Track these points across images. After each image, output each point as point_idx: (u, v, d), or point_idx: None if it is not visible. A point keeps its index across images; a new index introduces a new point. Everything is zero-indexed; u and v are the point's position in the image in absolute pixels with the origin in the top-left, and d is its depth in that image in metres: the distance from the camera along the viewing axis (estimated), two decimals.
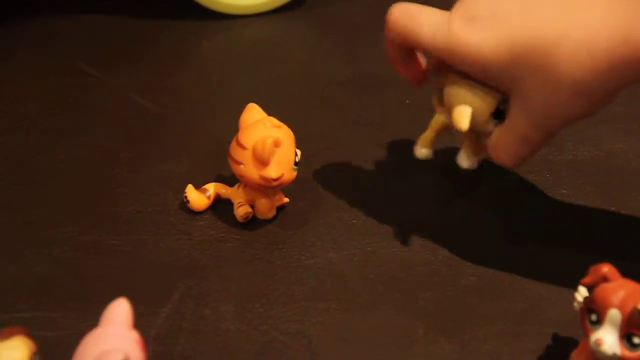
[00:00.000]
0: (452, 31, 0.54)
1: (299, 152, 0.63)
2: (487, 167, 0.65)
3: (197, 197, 0.65)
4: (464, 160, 0.62)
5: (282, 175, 0.61)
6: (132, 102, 0.79)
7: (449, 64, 0.56)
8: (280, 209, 0.66)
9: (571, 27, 0.51)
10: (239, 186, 0.65)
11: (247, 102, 0.64)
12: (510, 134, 0.56)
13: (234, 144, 0.62)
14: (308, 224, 0.65)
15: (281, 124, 0.63)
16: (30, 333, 0.52)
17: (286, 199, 0.66)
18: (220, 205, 0.66)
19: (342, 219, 0.66)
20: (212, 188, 0.66)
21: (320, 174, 0.70)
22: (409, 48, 0.59)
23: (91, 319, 0.49)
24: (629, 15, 0.50)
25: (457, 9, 0.55)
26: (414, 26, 0.57)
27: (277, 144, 0.60)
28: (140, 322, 0.50)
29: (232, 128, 0.64)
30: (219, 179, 0.66)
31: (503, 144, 0.57)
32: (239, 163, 0.62)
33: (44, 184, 0.69)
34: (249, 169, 0.61)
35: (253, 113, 0.64)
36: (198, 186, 0.66)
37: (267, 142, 0.60)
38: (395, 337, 0.57)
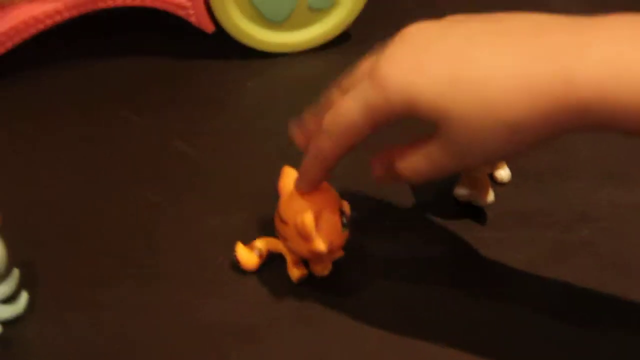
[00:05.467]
0: (378, 81, 0.51)
1: (347, 208, 0.59)
2: None
3: (248, 256, 0.62)
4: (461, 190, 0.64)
5: (331, 244, 0.58)
6: (176, 150, 0.76)
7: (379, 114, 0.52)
8: (339, 268, 0.63)
9: (510, 62, 0.48)
10: None
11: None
12: (424, 156, 0.53)
13: (276, 215, 0.59)
14: (366, 283, 0.63)
15: (320, 185, 0.59)
16: None
17: (341, 252, 0.62)
18: (275, 261, 0.63)
19: (402, 283, 0.63)
20: (262, 244, 0.63)
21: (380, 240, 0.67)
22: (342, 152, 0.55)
23: None
24: (574, 54, 0.46)
25: (381, 62, 0.51)
26: (340, 116, 0.53)
27: (316, 216, 0.57)
28: None
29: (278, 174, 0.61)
30: (272, 231, 0.63)
31: (412, 161, 0.53)
32: (284, 238, 0.59)
33: (88, 241, 0.67)
34: (295, 244, 0.59)
35: (290, 177, 0.60)
36: (249, 241, 0.63)
37: (305, 220, 0.56)
38: None
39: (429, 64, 0.50)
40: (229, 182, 0.73)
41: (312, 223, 0.56)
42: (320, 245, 0.57)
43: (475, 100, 0.48)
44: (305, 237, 0.57)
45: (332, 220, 0.58)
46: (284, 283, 0.62)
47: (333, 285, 0.62)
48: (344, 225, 0.58)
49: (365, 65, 0.55)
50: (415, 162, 0.53)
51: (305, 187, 0.58)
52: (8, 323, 0.59)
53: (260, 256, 0.62)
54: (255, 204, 0.69)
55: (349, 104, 0.53)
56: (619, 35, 0.46)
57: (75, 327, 0.59)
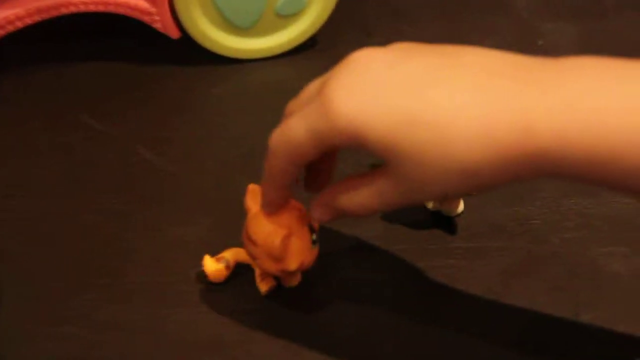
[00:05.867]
0: (327, 108, 0.48)
1: (316, 224, 0.58)
2: None
3: (215, 268, 0.61)
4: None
5: (302, 263, 0.57)
6: (141, 157, 0.75)
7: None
8: (310, 285, 0.62)
9: (469, 106, 0.46)
10: None
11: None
12: (373, 192, 0.51)
13: (245, 235, 0.58)
14: (335, 302, 0.61)
15: (288, 202, 0.57)
16: None
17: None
18: (243, 271, 0.62)
19: (374, 293, 0.62)
20: (230, 255, 0.62)
21: (345, 256, 0.66)
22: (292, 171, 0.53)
23: None
24: (533, 101, 0.45)
25: (331, 87, 0.49)
26: (286, 136, 0.51)
27: (287, 237, 0.56)
28: None
29: (249, 182, 0.60)
30: (239, 239, 0.61)
31: (362, 197, 0.52)
32: (254, 258, 0.58)
33: (53, 252, 0.65)
34: (266, 265, 0.57)
35: (255, 195, 0.59)
36: (219, 250, 0.62)
37: (275, 243, 0.55)
38: None
39: (382, 97, 0.47)
40: (195, 190, 0.72)
41: (283, 246, 0.55)
42: (292, 265, 0.56)
43: (432, 143, 0.46)
44: (277, 259, 0.56)
45: (302, 240, 0.57)
46: (253, 294, 0.61)
47: (302, 297, 0.61)
48: (313, 242, 0.57)
49: (314, 85, 0.54)
50: (365, 199, 0.52)
51: (268, 209, 0.56)
52: None
53: (228, 267, 0.61)
54: (223, 212, 0.68)
55: (295, 124, 0.51)
56: (578, 80, 0.45)
57: (39, 341, 0.58)
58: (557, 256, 0.64)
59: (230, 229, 0.64)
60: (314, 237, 0.57)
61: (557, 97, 0.44)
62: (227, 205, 0.68)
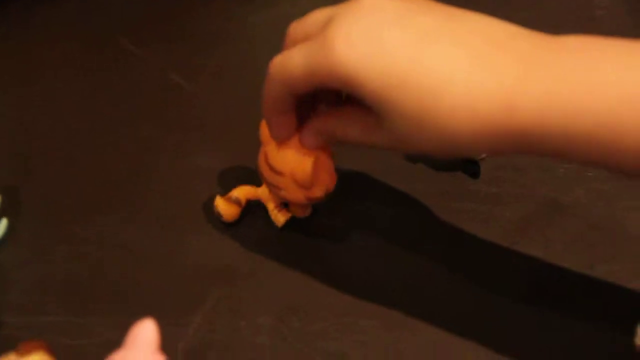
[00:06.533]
0: (328, 52, 0.48)
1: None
2: None
3: (228, 208, 0.61)
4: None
5: (328, 189, 0.57)
6: (173, 83, 0.75)
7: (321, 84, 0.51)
8: (327, 223, 0.62)
9: (455, 78, 0.46)
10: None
11: None
12: (363, 129, 0.52)
13: (265, 167, 0.57)
14: (352, 240, 0.61)
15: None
16: (54, 340, 0.50)
17: (321, 193, 0.60)
18: (257, 207, 0.62)
19: (387, 236, 0.62)
20: (240, 194, 0.62)
21: (366, 188, 0.65)
22: (288, 99, 0.54)
23: (118, 327, 0.46)
24: (519, 79, 0.45)
25: (335, 31, 0.49)
26: (284, 66, 0.52)
27: (315, 162, 0.56)
28: (168, 334, 0.47)
29: None
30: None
31: (351, 130, 0.53)
32: (279, 189, 0.57)
33: (76, 172, 0.66)
34: (292, 194, 0.57)
35: None
36: (239, 182, 0.63)
37: (306, 169, 0.55)
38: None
39: (381, 52, 0.47)
40: (223, 119, 0.72)
41: (313, 172, 0.55)
42: (319, 191, 0.57)
43: (419, 107, 0.46)
44: (306, 186, 0.56)
45: (327, 166, 0.57)
46: (265, 227, 0.61)
47: (315, 229, 0.62)
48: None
49: (321, 15, 0.53)
50: (358, 135, 0.53)
51: (275, 137, 0.57)
52: None
53: (240, 205, 0.61)
54: (247, 142, 0.68)
55: (295, 55, 0.51)
56: (566, 63, 0.45)
57: (54, 257, 0.59)
58: (578, 207, 0.63)
59: (252, 161, 0.64)
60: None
61: (541, 77, 0.44)
62: (251, 138, 0.67)
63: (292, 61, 0.51)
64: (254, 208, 0.62)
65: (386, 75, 0.47)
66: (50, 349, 0.46)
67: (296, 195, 0.57)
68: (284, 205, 0.61)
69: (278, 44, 0.58)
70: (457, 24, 0.48)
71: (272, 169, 0.57)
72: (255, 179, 0.61)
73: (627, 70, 0.43)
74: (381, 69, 0.47)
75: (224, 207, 0.61)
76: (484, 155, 0.65)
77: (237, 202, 0.61)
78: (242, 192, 0.61)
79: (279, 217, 0.60)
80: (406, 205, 0.64)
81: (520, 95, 0.44)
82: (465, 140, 0.46)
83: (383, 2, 0.50)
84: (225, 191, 0.62)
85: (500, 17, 0.49)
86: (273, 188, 0.58)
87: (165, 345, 0.45)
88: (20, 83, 0.75)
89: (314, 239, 0.61)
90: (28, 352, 0.45)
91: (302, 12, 0.80)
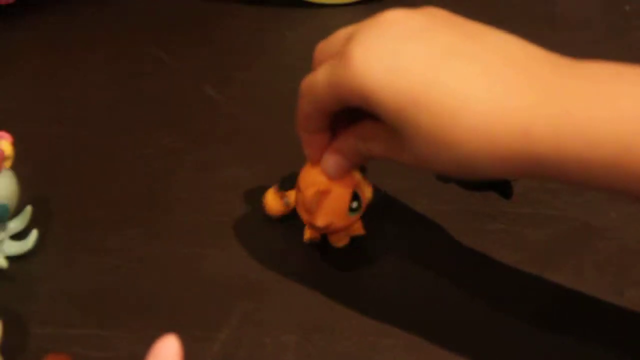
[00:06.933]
0: (347, 68, 0.48)
1: (367, 191, 0.58)
2: None
3: (274, 201, 0.61)
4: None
5: (330, 224, 0.56)
6: (204, 95, 0.75)
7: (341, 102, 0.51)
8: (356, 240, 0.61)
9: (473, 99, 0.45)
10: None
11: None
12: (386, 147, 0.52)
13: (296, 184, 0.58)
14: (381, 259, 0.61)
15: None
16: (79, 353, 0.50)
17: (362, 231, 0.61)
18: (297, 219, 0.61)
19: (416, 257, 0.61)
20: (292, 195, 0.61)
21: (396, 208, 0.65)
22: (318, 117, 0.54)
23: (143, 341, 0.45)
24: (535, 103, 0.44)
25: (355, 47, 0.49)
26: (310, 85, 0.53)
27: (322, 194, 0.55)
28: (193, 349, 0.48)
29: None
30: (291, 187, 0.61)
31: (373, 147, 0.53)
32: (297, 204, 0.58)
33: (105, 183, 0.66)
34: (301, 212, 0.58)
35: None
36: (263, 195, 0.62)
37: (308, 192, 0.55)
38: None
39: (399, 66, 0.47)
40: (253, 133, 0.72)
41: (314, 199, 0.55)
42: (319, 221, 0.56)
43: (435, 127, 0.46)
44: (307, 211, 0.56)
45: (338, 202, 0.56)
46: (298, 247, 0.61)
47: (346, 256, 0.61)
48: (352, 209, 0.57)
49: (344, 32, 0.53)
50: (382, 152, 0.53)
51: (308, 155, 0.57)
52: (15, 259, 0.58)
53: (287, 206, 0.61)
54: (277, 157, 0.68)
55: (320, 73, 0.51)
56: (586, 89, 0.44)
57: (81, 268, 0.59)
58: (610, 230, 0.62)
59: (281, 175, 0.64)
60: (355, 205, 0.57)
61: (560, 102, 0.44)
62: (282, 152, 0.67)
63: (317, 79, 0.51)
64: (292, 221, 0.62)
65: (402, 92, 0.47)
66: None
67: (302, 214, 0.58)
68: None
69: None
70: (477, 42, 0.48)
71: (297, 183, 0.58)
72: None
73: None
74: (398, 86, 0.47)
75: (271, 199, 0.61)
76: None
77: (285, 199, 0.61)
78: (294, 195, 0.61)
79: (307, 232, 0.60)
80: (436, 225, 0.63)
81: (538, 119, 0.44)
82: (482, 163, 0.46)
83: (404, 18, 0.49)
84: (252, 205, 0.62)
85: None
86: (296, 203, 0.59)
87: None
88: (50, 88, 0.75)
89: (340, 257, 0.61)
90: None
91: (335, 28, 0.81)
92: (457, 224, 0.63)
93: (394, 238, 0.62)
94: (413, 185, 0.66)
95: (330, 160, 0.56)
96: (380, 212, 0.62)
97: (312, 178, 0.56)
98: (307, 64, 0.73)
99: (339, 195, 0.56)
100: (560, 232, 0.62)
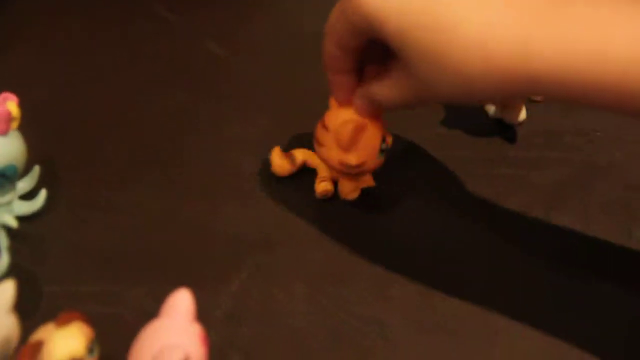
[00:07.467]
0: None
1: (389, 138, 0.58)
2: None
3: (280, 162, 0.62)
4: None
5: (364, 163, 0.57)
6: (209, 52, 0.75)
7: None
8: (365, 191, 0.62)
9: (469, 17, 0.46)
10: None
11: None
12: (391, 83, 0.53)
13: (319, 124, 0.58)
14: (390, 208, 0.61)
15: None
16: (92, 309, 0.50)
17: (372, 183, 0.61)
18: (305, 174, 0.62)
19: (424, 204, 0.62)
20: (299, 155, 0.62)
21: (405, 158, 0.65)
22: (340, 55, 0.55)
23: (155, 297, 0.46)
24: (533, 20, 0.45)
25: None
26: (330, 18, 0.54)
27: (360, 129, 0.56)
28: (205, 302, 0.48)
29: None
30: (299, 142, 0.62)
31: (383, 88, 0.54)
32: (321, 145, 0.58)
33: (113, 141, 0.66)
34: (330, 152, 0.58)
35: None
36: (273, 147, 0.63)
37: (348, 127, 0.56)
38: (477, 327, 0.53)
39: None
40: (259, 88, 0.72)
41: (354, 133, 0.56)
42: (354, 159, 0.57)
43: (435, 47, 0.47)
44: (342, 147, 0.56)
45: (372, 140, 0.57)
46: (307, 201, 0.61)
47: (356, 207, 0.61)
48: (381, 150, 0.57)
49: None
50: (388, 90, 0.53)
51: (336, 96, 0.58)
52: (25, 219, 0.59)
53: (293, 164, 0.62)
54: (284, 112, 0.68)
55: (335, 9, 0.53)
56: (586, 10, 0.44)
57: (90, 227, 0.59)
58: (615, 169, 0.63)
59: (288, 129, 0.64)
60: (383, 146, 0.57)
61: (559, 22, 0.44)
62: (291, 106, 0.68)
63: (333, 15, 0.53)
64: (301, 176, 0.62)
65: (405, 13, 0.48)
66: (88, 320, 0.46)
67: (332, 155, 0.58)
68: (334, 183, 0.61)
69: (316, 10, 0.58)
70: None
71: (323, 124, 0.58)
72: (293, 147, 0.61)
73: None
74: (401, 7, 0.48)
75: (277, 160, 0.62)
76: (520, 120, 0.65)
77: (291, 158, 0.62)
78: (300, 153, 0.62)
79: (319, 187, 0.61)
80: (444, 172, 0.64)
81: (536, 36, 0.45)
82: (477, 83, 0.47)
83: None
84: (261, 159, 0.62)
85: None
86: (317, 144, 0.59)
87: (202, 312, 0.45)
88: (57, 50, 0.75)
89: (350, 209, 0.61)
90: (66, 322, 0.45)
91: None
92: (464, 170, 0.63)
93: (403, 188, 0.63)
94: (419, 136, 0.66)
95: (358, 103, 0.57)
96: (389, 163, 0.62)
97: (344, 116, 0.57)
98: (308, 14, 0.73)
99: (373, 134, 0.57)
100: (566, 174, 0.63)
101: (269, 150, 0.63)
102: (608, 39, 0.43)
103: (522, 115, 0.65)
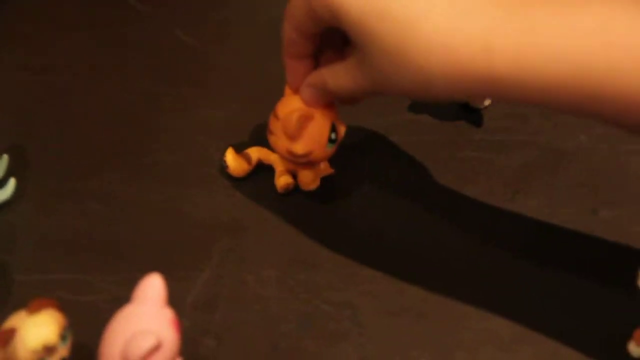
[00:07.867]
0: None
1: (342, 128, 0.58)
2: None
3: (237, 163, 0.62)
4: None
5: (310, 152, 0.57)
6: (178, 40, 0.75)
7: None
8: (329, 179, 0.62)
9: (433, 13, 0.46)
10: None
11: None
12: (347, 73, 0.52)
13: (273, 111, 0.58)
14: (354, 192, 0.62)
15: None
16: (63, 297, 0.51)
17: (331, 170, 0.62)
18: (265, 168, 0.62)
19: (389, 188, 0.62)
20: (254, 153, 0.62)
21: (369, 144, 0.66)
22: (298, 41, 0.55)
23: (127, 284, 0.46)
24: (494, 18, 0.45)
25: None
26: (291, 2, 0.53)
27: (307, 118, 0.56)
28: (177, 288, 0.48)
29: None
30: (266, 129, 0.62)
31: (339, 77, 0.53)
32: (271, 133, 0.58)
33: (81, 129, 0.66)
34: (279, 141, 0.58)
35: None
36: (244, 136, 0.64)
37: (294, 115, 0.55)
38: (446, 310, 0.54)
39: None
40: (227, 73, 0.72)
41: (299, 122, 0.56)
42: (299, 148, 0.57)
43: (396, 40, 0.47)
44: (288, 135, 0.56)
45: (320, 129, 0.57)
46: (272, 186, 0.61)
47: (320, 196, 0.62)
48: (330, 140, 0.57)
49: None
50: (343, 80, 0.53)
51: (290, 81, 0.57)
52: None
53: (249, 163, 0.62)
54: (251, 97, 0.68)
55: None
56: (547, 8, 0.44)
57: (61, 215, 0.59)
58: (581, 152, 0.63)
59: (256, 115, 0.64)
60: (333, 136, 0.57)
61: (520, 20, 0.44)
62: (258, 93, 0.68)
63: (295, 0, 0.52)
64: (263, 168, 0.62)
65: (367, 3, 0.47)
66: (60, 307, 0.46)
67: (281, 143, 0.57)
68: (294, 176, 0.61)
69: (285, 1, 0.59)
70: None
71: (274, 112, 0.58)
72: (260, 134, 0.62)
73: (611, 20, 0.43)
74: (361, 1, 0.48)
75: (232, 159, 0.61)
76: (486, 104, 0.66)
77: (246, 158, 0.61)
78: (255, 152, 0.62)
79: (280, 181, 0.61)
80: (409, 157, 0.64)
81: (499, 35, 0.44)
82: (441, 82, 0.46)
83: None
84: (229, 145, 0.62)
85: None
86: (268, 132, 0.59)
87: (173, 299, 0.46)
88: (26, 41, 0.75)
89: (318, 193, 0.62)
90: (38, 310, 0.45)
91: None
92: (429, 154, 0.64)
93: (365, 173, 0.63)
94: (384, 122, 0.66)
95: (306, 93, 0.56)
96: (349, 149, 0.62)
97: (294, 104, 0.57)
98: (277, 3, 0.73)
99: (321, 123, 0.57)
100: (531, 157, 0.63)
101: (235, 135, 0.63)
102: (568, 32, 0.43)
103: (488, 99, 0.66)
